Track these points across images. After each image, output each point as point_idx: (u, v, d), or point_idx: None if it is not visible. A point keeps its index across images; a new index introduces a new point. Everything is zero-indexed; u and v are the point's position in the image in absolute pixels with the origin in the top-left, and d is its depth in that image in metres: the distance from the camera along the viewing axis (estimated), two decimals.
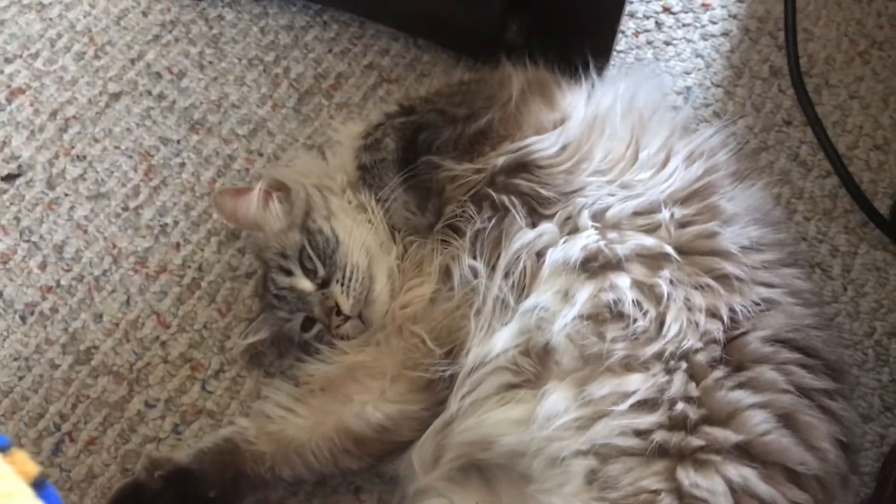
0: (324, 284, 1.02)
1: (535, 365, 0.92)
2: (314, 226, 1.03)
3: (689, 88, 1.40)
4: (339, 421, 0.98)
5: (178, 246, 1.19)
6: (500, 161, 0.99)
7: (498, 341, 0.93)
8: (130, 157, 1.26)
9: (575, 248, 0.93)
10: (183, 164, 1.26)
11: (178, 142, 1.28)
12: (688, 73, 1.42)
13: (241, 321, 1.14)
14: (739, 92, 1.40)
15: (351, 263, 1.01)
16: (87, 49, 1.36)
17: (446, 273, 1.01)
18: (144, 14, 1.40)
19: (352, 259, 1.01)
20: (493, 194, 0.98)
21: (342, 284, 1.01)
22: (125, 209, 1.22)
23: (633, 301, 0.90)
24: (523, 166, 1.00)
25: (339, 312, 1.01)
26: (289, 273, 1.03)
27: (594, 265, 0.92)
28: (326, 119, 1.33)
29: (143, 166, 1.26)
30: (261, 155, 1.28)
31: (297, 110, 1.33)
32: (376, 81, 1.37)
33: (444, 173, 1.02)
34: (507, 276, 0.95)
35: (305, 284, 1.03)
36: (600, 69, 1.13)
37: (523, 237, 0.96)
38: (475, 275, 0.97)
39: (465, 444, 0.94)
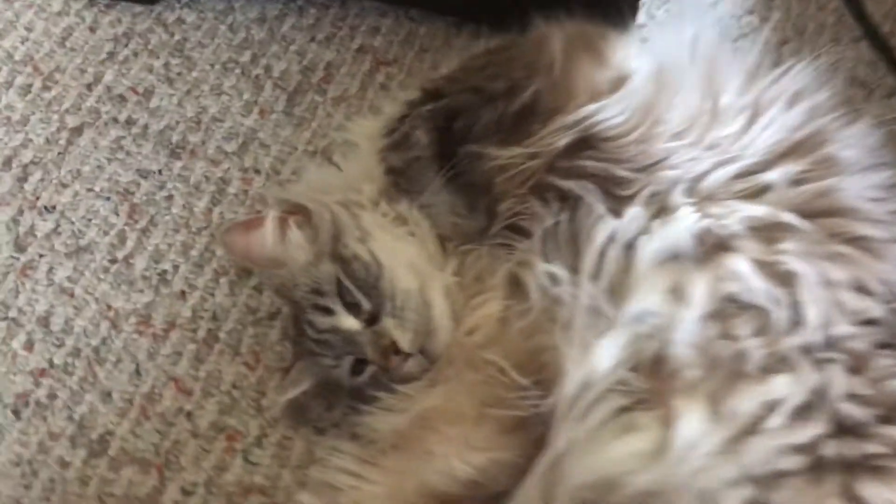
0: (372, 320, 0.85)
1: (650, 381, 0.76)
2: (347, 252, 0.86)
3: (718, 20, 1.24)
4: (420, 482, 0.81)
5: (183, 295, 1.02)
6: (562, 141, 0.82)
7: (600, 359, 0.77)
8: (108, 198, 1.08)
9: (673, 232, 0.77)
10: (170, 198, 1.08)
11: (160, 172, 1.10)
12: (715, 4, 1.25)
13: (275, 372, 0.97)
14: (775, 16, 1.24)
15: (401, 290, 0.84)
16: (33, 80, 1.16)
17: (515, 284, 0.84)
18: (92, 30, 1.21)
19: (400, 284, 0.85)
20: (557, 182, 0.82)
21: (395, 317, 0.84)
22: (113, 261, 1.03)
23: (758, 287, 0.74)
24: (585, 142, 0.83)
25: (397, 351, 0.84)
26: (328, 312, 0.86)
27: (701, 250, 0.76)
28: (324, 118, 1.15)
29: (124, 207, 1.07)
30: (258, 172, 1.10)
31: (288, 113, 1.15)
32: (372, 66, 1.20)
33: (490, 164, 0.86)
34: (595, 278, 0.79)
35: (350, 323, 0.86)
36: (632, 12, 0.97)
37: (606, 228, 0.79)
38: (555, 282, 0.80)
39: (582, 489, 0.77)
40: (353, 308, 0.86)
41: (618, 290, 0.78)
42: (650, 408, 0.76)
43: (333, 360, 0.88)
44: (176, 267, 1.03)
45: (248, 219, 0.95)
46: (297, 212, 0.91)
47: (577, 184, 0.81)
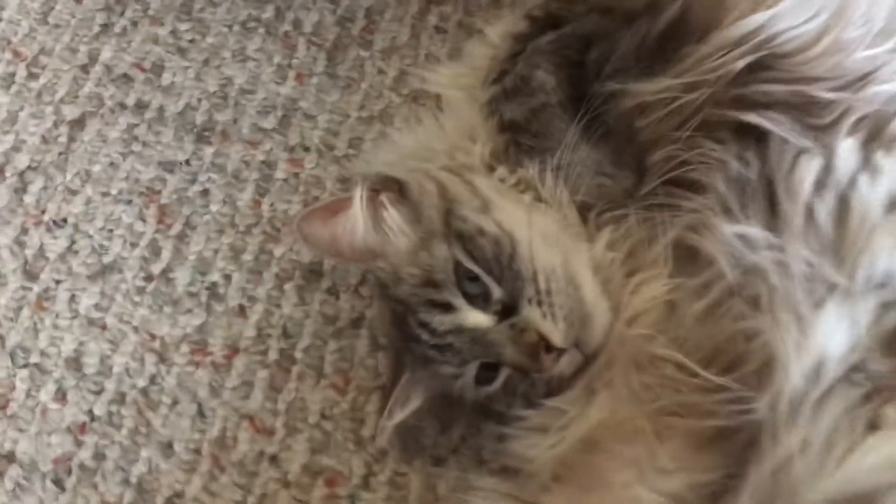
0: (507, 311, 0.66)
1: (893, 362, 0.58)
2: (467, 226, 0.67)
3: None
4: None
5: (242, 310, 0.82)
6: (737, 63, 0.63)
7: (830, 341, 0.59)
8: (129, 201, 0.88)
9: None
10: (206, 192, 0.88)
11: (188, 162, 0.90)
12: None
13: (371, 392, 0.78)
14: None
15: (544, 268, 0.65)
16: (15, 68, 0.95)
17: (685, 255, 0.66)
18: (77, 0, 0.99)
19: (542, 261, 0.66)
20: (733, 115, 0.64)
21: (540, 304, 0.65)
22: (149, 279, 0.84)
23: None
24: (760, 62, 0.65)
25: (548, 347, 0.65)
26: (447, 308, 0.67)
27: None
28: (375, 76, 0.95)
29: (151, 211, 0.87)
30: (307, 149, 0.90)
31: (331, 75, 0.95)
32: (421, 7, 0.99)
33: (630, 103, 0.67)
34: (806, 236, 0.61)
35: (479, 318, 0.67)
36: None
37: (811, 169, 0.61)
38: (750, 246, 0.62)
39: None
40: (479, 299, 0.66)
41: (841, 249, 0.60)
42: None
43: (456, 369, 0.69)
44: (227, 277, 0.84)
45: (327, 202, 0.75)
46: (388, 187, 0.71)
47: (760, 115, 0.63)
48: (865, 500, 0.58)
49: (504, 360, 0.67)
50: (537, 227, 0.66)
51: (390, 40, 0.97)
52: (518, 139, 0.68)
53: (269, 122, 0.92)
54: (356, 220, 0.69)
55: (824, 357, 0.59)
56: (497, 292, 0.66)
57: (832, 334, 0.59)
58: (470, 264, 0.66)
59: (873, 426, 0.59)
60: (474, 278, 0.66)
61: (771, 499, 0.61)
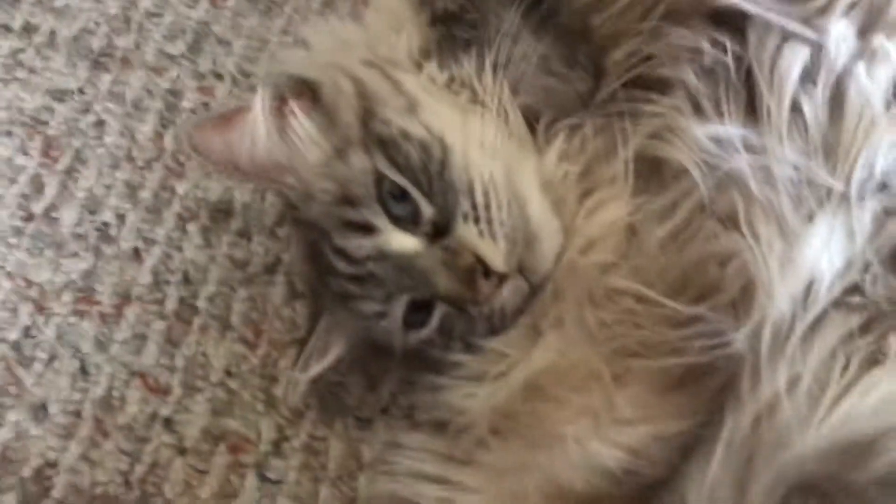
0: (439, 232, 0.55)
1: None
2: (389, 130, 0.56)
3: None
4: (545, 481, 0.53)
5: (137, 254, 0.71)
6: None
7: (821, 257, 0.50)
8: (9, 133, 0.76)
9: None
10: (101, 123, 0.77)
11: (82, 90, 0.78)
12: None
13: (286, 347, 0.67)
14: None
15: (481, 178, 0.55)
16: None
17: (649, 168, 0.56)
18: None
19: (479, 171, 0.55)
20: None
21: (477, 220, 0.54)
22: (28, 218, 0.72)
23: None
24: None
25: (487, 273, 0.54)
26: (367, 229, 0.56)
27: None
28: None
29: (35, 143, 0.76)
30: (219, 77, 0.80)
31: None
32: None
33: None
34: (792, 134, 0.51)
35: (406, 242, 0.56)
36: None
37: (799, 57, 0.52)
38: (726, 149, 0.52)
39: (809, 460, 0.50)
40: (406, 218, 0.56)
41: (835, 149, 0.51)
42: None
43: (380, 306, 0.58)
44: (121, 217, 0.72)
45: (226, 110, 0.63)
46: (298, 91, 0.60)
47: None
48: (865, 447, 0.48)
49: (436, 291, 0.56)
50: (474, 132, 0.55)
51: None
52: (452, 31, 0.58)
53: (178, 48, 0.81)
54: (257, 127, 0.58)
55: (815, 276, 0.50)
56: (427, 210, 0.55)
57: (824, 248, 0.50)
58: (394, 175, 0.55)
59: (874, 360, 0.49)
60: (400, 196, 0.55)
61: (753, 450, 0.51)
